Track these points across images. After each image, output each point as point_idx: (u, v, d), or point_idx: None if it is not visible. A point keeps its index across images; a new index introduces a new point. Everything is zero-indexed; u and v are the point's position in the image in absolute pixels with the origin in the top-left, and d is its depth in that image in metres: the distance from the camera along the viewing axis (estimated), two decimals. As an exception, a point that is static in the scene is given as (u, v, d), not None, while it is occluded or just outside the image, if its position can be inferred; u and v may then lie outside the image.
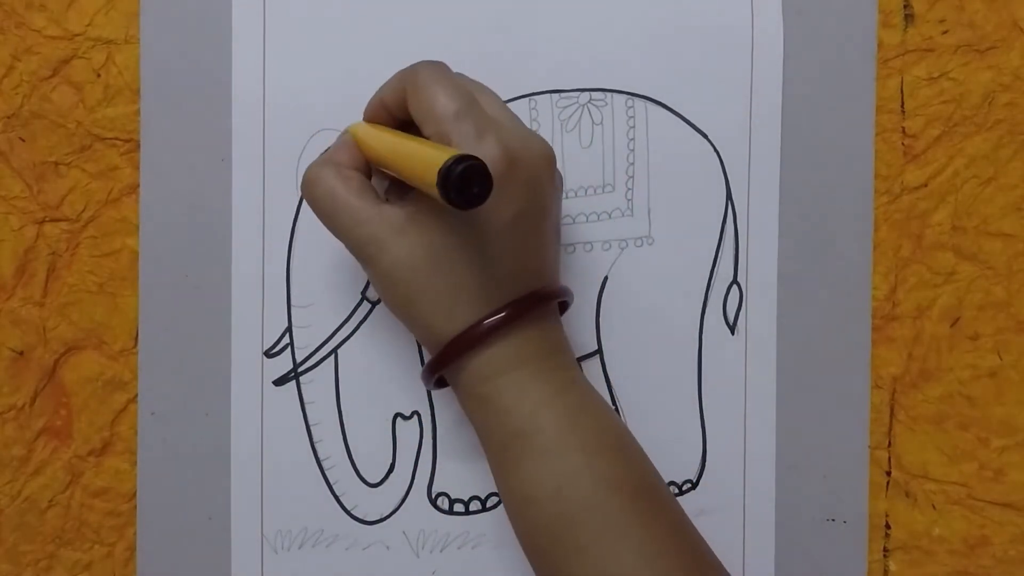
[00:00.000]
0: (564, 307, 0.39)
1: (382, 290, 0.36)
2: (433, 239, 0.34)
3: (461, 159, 0.30)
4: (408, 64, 0.36)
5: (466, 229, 0.34)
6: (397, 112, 0.37)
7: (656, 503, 0.35)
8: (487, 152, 0.33)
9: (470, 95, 0.35)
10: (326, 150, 0.37)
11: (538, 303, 0.35)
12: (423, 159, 0.32)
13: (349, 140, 0.37)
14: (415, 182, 0.33)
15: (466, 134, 0.33)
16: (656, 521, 0.34)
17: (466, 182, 0.30)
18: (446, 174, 0.30)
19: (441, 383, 0.37)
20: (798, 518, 0.43)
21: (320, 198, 0.36)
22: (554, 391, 0.35)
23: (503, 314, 0.34)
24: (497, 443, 0.36)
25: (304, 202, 0.42)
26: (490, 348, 0.35)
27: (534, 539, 0.35)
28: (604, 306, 0.43)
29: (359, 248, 0.35)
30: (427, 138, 0.35)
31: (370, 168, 0.38)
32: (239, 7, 0.42)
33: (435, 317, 0.35)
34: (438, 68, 0.36)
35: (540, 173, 0.35)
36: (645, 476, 0.36)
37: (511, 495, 0.36)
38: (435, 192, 0.30)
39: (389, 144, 0.35)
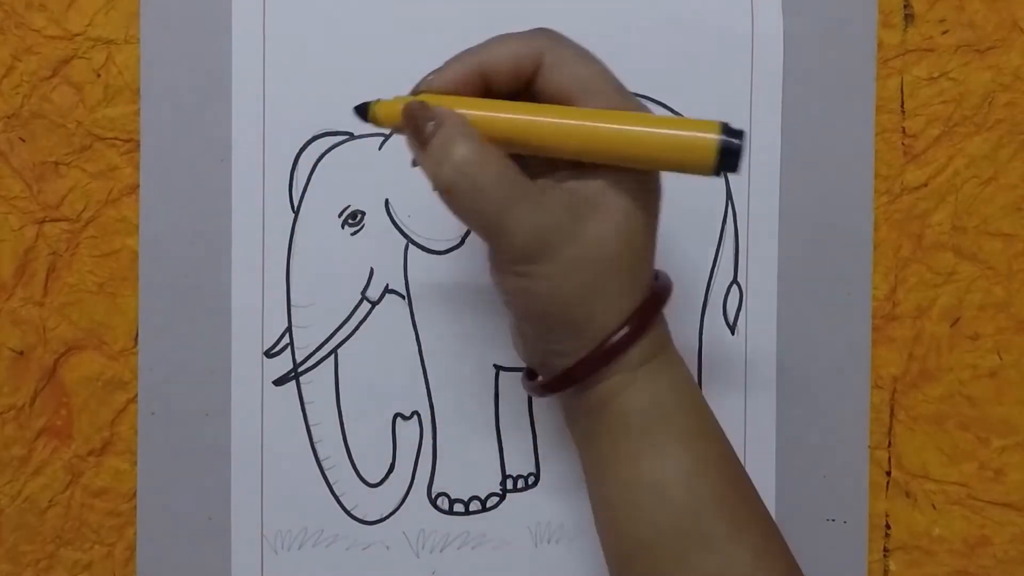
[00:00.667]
0: None
1: (559, 282, 0.31)
2: (620, 222, 0.31)
3: (728, 130, 0.29)
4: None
5: (647, 211, 0.31)
6: (504, 83, 0.31)
7: (759, 503, 0.34)
8: None
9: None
10: (437, 133, 0.30)
11: (665, 299, 0.33)
12: (680, 135, 0.30)
13: (463, 125, 0.30)
14: (654, 163, 0.30)
15: (641, 109, 0.31)
16: (768, 521, 0.33)
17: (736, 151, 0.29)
18: (727, 147, 0.29)
19: (548, 389, 0.34)
20: (798, 518, 0.43)
21: (485, 185, 0.30)
22: (679, 380, 0.33)
23: (655, 312, 0.32)
24: (616, 435, 0.32)
25: (304, 202, 0.42)
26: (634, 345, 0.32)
27: (649, 534, 0.32)
28: (604, 306, 0.43)
29: (538, 238, 0.30)
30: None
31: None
32: (239, 7, 0.42)
33: (604, 312, 0.31)
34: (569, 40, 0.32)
35: None
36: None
37: (625, 488, 0.32)
38: (691, 168, 0.29)
39: (582, 125, 0.30)
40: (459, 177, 0.30)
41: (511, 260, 0.31)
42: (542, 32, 0.32)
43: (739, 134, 0.30)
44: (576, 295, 0.31)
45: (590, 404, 0.33)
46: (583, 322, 0.31)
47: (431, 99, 0.31)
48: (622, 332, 0.31)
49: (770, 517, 0.34)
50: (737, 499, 0.32)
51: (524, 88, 0.32)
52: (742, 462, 0.35)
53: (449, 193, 0.30)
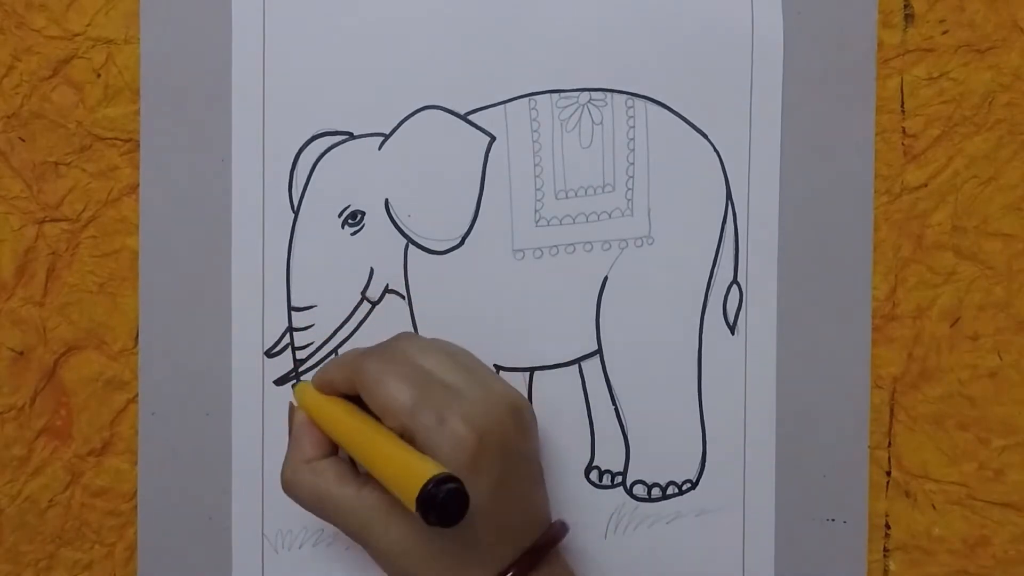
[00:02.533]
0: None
1: (383, 568, 0.36)
2: (418, 522, 0.33)
3: (440, 481, 0.30)
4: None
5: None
6: (349, 393, 0.37)
7: None
8: (452, 437, 0.34)
9: (422, 375, 0.35)
10: (290, 442, 0.38)
11: (540, 554, 0.36)
12: (397, 477, 0.32)
13: (306, 424, 0.38)
14: (391, 491, 0.33)
15: (428, 426, 0.34)
16: None
17: (446, 505, 0.30)
18: (426, 501, 0.30)
19: None
20: (798, 518, 0.43)
21: (304, 500, 0.37)
22: None
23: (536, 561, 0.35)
24: None
25: (304, 202, 0.42)
26: None
27: None
28: (604, 306, 0.43)
29: (353, 536, 0.36)
30: (389, 428, 0.35)
31: (331, 443, 0.38)
32: (239, 7, 0.42)
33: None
34: (383, 356, 0.36)
35: (510, 433, 0.36)
36: None
37: None
38: (412, 507, 0.31)
39: (355, 442, 0.36)
40: (286, 491, 0.38)
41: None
42: (362, 359, 0.37)
43: (449, 492, 0.31)
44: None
45: None
46: None
47: (306, 392, 0.39)
48: None
49: None
50: None
51: None
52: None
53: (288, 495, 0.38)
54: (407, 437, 0.34)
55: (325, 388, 0.38)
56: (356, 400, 0.37)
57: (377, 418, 0.36)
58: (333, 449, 0.38)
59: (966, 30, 0.42)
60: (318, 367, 0.41)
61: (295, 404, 0.40)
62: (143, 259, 0.42)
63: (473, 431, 0.34)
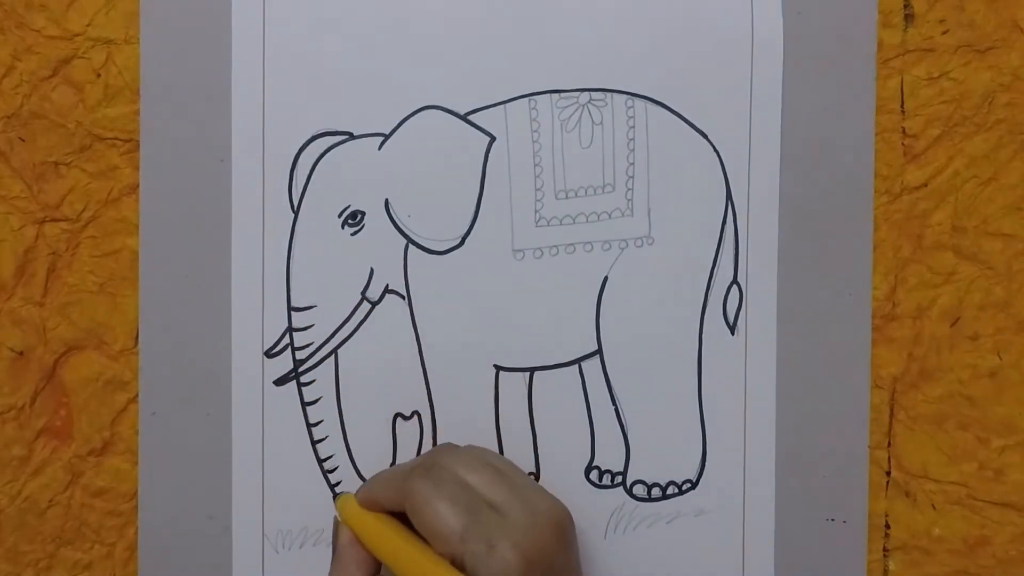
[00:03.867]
0: None
1: None
2: None
3: None
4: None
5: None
6: (394, 510, 0.38)
7: None
8: (502, 564, 0.34)
9: (468, 496, 0.36)
10: (333, 561, 0.39)
11: None
12: None
13: (352, 544, 0.38)
14: None
15: (477, 553, 0.34)
16: None
17: None
18: None
19: None
20: (798, 518, 0.43)
21: None
22: None
23: None
24: None
25: (304, 202, 0.42)
26: None
27: None
28: (604, 306, 0.43)
29: None
30: (438, 552, 0.35)
31: (377, 562, 0.38)
32: (239, 7, 0.42)
33: None
34: (429, 476, 0.37)
35: (556, 553, 0.36)
36: None
37: None
38: None
39: (403, 566, 0.36)
40: None
41: None
42: (412, 480, 0.37)
43: None
44: None
45: None
46: None
47: (348, 506, 0.39)
48: None
49: None
50: None
51: None
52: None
53: None
54: (456, 562, 0.35)
55: (370, 505, 0.39)
56: (398, 515, 0.37)
57: (422, 537, 0.36)
58: (376, 567, 0.38)
59: (966, 30, 0.42)
60: (363, 484, 0.41)
61: (339, 519, 0.40)
62: (143, 259, 0.42)
63: (522, 557, 0.34)
